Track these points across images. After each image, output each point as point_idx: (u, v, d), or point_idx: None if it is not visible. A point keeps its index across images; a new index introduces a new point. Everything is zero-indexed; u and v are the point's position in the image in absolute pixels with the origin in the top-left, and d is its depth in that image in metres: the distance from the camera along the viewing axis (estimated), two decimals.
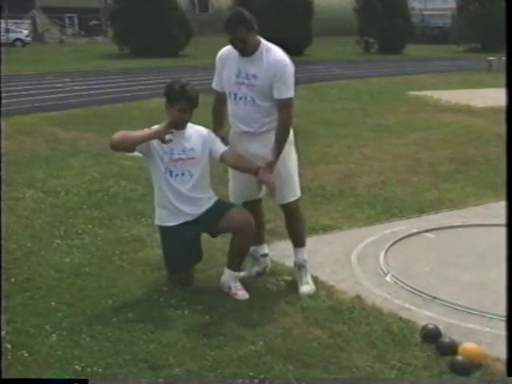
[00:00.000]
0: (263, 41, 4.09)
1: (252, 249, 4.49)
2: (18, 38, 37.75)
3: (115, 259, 4.77)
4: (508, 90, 3.28)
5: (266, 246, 4.64)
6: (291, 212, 4.37)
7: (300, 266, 4.36)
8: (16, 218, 5.72)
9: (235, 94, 4.13)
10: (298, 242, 4.43)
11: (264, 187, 4.22)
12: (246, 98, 4.09)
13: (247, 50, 4.05)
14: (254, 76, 4.04)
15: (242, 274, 4.38)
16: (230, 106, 4.21)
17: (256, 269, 4.53)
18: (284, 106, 4.07)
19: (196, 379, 3.22)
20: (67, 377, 3.17)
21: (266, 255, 4.59)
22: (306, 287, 4.25)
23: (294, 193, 4.30)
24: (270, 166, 4.07)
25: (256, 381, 3.18)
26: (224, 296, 4.15)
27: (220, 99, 4.31)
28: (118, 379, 3.22)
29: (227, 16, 4.08)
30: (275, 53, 4.06)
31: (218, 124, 4.36)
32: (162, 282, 4.33)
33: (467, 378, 3.26)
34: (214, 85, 4.32)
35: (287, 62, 4.06)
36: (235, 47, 4.07)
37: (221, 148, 4.25)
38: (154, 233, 4.98)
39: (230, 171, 4.46)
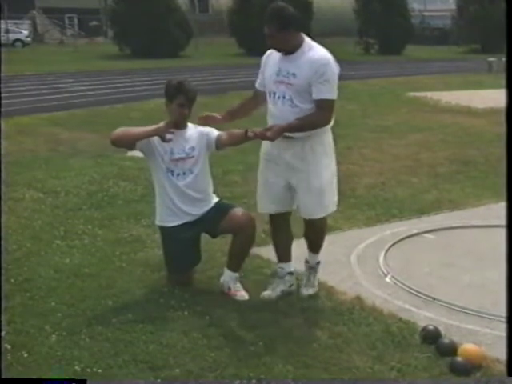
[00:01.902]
0: (307, 39, 3.92)
1: (278, 266, 4.33)
2: (17, 39, 37.75)
3: (115, 260, 4.77)
4: (508, 90, 3.28)
5: (292, 263, 4.33)
6: (315, 227, 4.17)
7: (310, 268, 4.27)
8: (16, 219, 5.72)
9: (274, 93, 3.94)
10: (314, 249, 4.30)
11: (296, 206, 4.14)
12: (283, 98, 3.89)
13: (279, 47, 3.91)
14: (294, 74, 3.84)
15: (267, 292, 4.19)
16: (269, 106, 4.02)
17: (281, 287, 4.22)
18: (322, 107, 3.83)
19: (194, 380, 3.22)
20: (67, 377, 3.17)
21: (291, 273, 4.30)
22: (311, 289, 4.20)
23: (322, 209, 4.07)
24: (272, 129, 3.84)
25: (254, 381, 3.18)
26: (224, 297, 4.15)
27: (255, 95, 4.18)
28: (117, 380, 3.22)
29: (267, 8, 3.89)
30: (317, 51, 3.87)
31: (233, 110, 4.24)
32: (162, 283, 4.33)
33: (466, 378, 3.26)
34: (257, 84, 4.18)
35: (330, 60, 3.84)
36: (267, 43, 3.93)
37: (215, 134, 4.26)
38: (154, 233, 4.99)
39: (259, 180, 4.29)
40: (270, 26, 3.83)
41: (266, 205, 4.24)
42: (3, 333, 3.57)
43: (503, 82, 3.63)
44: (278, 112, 3.95)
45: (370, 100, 15.08)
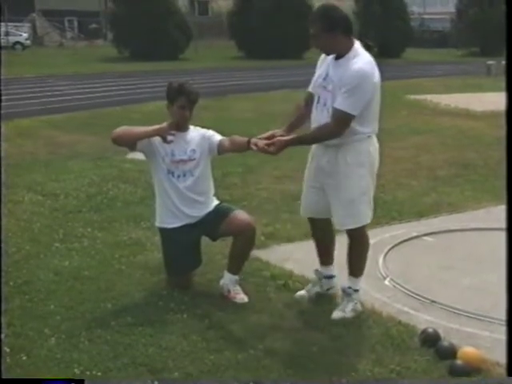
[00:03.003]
0: (356, 46, 3.73)
1: (318, 268, 4.25)
2: (17, 41, 37.84)
3: (114, 262, 4.77)
4: (508, 92, 3.27)
5: (333, 267, 4.24)
6: (351, 238, 3.99)
7: (344, 292, 4.03)
8: (15, 221, 5.72)
9: (318, 98, 3.82)
10: (350, 270, 4.04)
11: None
12: (324, 105, 3.76)
13: (324, 49, 3.80)
14: (333, 81, 3.70)
15: (301, 293, 4.20)
16: (312, 108, 3.90)
17: (316, 289, 4.20)
18: (335, 117, 3.66)
19: (192, 382, 3.22)
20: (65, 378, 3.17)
21: (330, 277, 4.22)
22: (339, 313, 3.92)
23: (354, 220, 3.89)
24: (276, 143, 3.76)
25: None
26: (223, 300, 4.15)
27: (307, 100, 3.98)
28: (114, 381, 3.22)
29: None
30: (359, 60, 3.66)
31: (293, 123, 4.02)
32: (161, 286, 4.32)
33: (466, 379, 3.27)
34: (311, 87, 3.96)
35: (366, 73, 3.64)
36: (311, 43, 3.80)
37: (217, 139, 4.26)
38: (153, 236, 4.99)
39: (304, 184, 4.13)
40: (314, 25, 3.69)
41: (305, 208, 4.14)
42: (2, 335, 3.56)
43: (502, 84, 3.63)
44: (315, 117, 3.84)
45: None
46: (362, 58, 3.69)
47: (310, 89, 3.99)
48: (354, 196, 3.84)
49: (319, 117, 3.81)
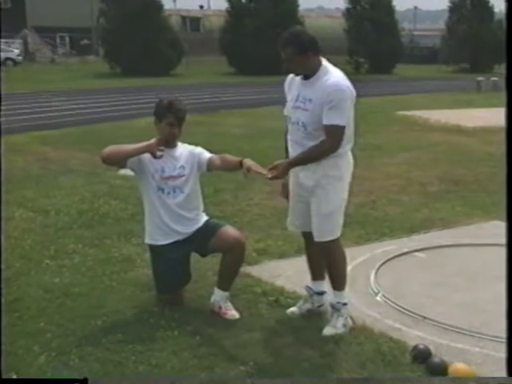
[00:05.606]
0: (325, 63, 3.87)
1: (308, 285, 4.25)
2: (8, 57, 37.87)
3: (105, 279, 4.75)
4: (508, 105, 3.25)
5: (324, 283, 4.22)
6: (327, 252, 4.01)
7: (333, 307, 4.04)
8: (6, 238, 5.68)
9: (290, 118, 3.94)
10: (334, 285, 4.05)
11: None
12: (297, 124, 3.86)
13: (298, 71, 3.90)
14: (310, 100, 3.80)
15: (292, 309, 4.20)
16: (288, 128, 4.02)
17: (307, 306, 4.22)
18: (329, 133, 3.76)
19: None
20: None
21: (321, 293, 4.22)
22: (330, 330, 3.92)
23: (332, 232, 3.94)
24: (278, 167, 3.82)
25: None
26: (214, 316, 4.14)
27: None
28: (119, 378, 3.20)
29: (283, 33, 3.91)
30: (331, 76, 3.80)
31: (287, 152, 4.11)
32: (152, 303, 4.31)
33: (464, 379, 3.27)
34: (285, 111, 4.05)
35: (343, 86, 3.77)
36: (285, 67, 3.90)
37: (206, 155, 4.27)
38: (144, 252, 4.97)
39: (290, 198, 4.18)
40: (286, 50, 3.81)
41: (290, 221, 4.22)
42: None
43: (493, 101, 3.67)
44: (293, 137, 3.95)
45: (361, 119, 14.96)
46: (334, 74, 3.84)
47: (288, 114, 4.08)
48: (333, 209, 3.92)
49: (295, 135, 3.92)
